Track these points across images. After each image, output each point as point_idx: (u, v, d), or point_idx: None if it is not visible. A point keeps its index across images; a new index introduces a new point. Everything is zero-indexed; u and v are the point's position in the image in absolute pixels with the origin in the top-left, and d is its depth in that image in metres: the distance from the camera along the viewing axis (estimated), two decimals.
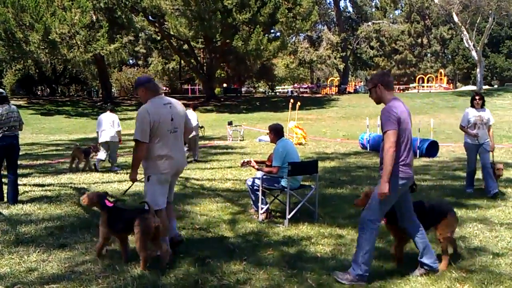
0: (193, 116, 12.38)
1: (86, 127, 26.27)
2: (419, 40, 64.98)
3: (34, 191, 8.25)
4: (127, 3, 33.71)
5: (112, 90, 49.94)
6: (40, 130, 25.09)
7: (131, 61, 61.37)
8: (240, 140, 19.08)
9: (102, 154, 11.12)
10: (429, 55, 66.23)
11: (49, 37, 30.30)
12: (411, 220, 4.51)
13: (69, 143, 17.77)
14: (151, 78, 5.23)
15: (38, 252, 5.09)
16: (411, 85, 56.79)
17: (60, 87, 56.48)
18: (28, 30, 30.99)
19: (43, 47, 31.40)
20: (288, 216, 6.16)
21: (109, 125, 10.99)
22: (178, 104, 5.06)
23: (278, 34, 38.68)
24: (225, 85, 54.36)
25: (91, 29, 32.16)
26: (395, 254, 4.71)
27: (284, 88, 60.80)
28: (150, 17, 38.09)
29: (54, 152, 14.86)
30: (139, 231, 4.51)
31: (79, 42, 31.26)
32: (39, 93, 54.67)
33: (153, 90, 4.94)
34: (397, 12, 66.12)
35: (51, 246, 5.26)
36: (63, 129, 25.80)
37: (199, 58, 45.13)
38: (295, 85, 62.52)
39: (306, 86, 60.25)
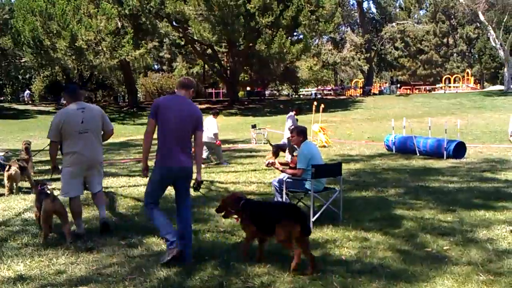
0: (290, 121, 12.68)
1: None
2: (445, 40, 64.01)
3: None
4: (151, 9, 34.14)
5: (138, 95, 50.61)
6: None
7: (156, 66, 62.10)
8: (264, 143, 19.09)
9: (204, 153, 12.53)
10: (455, 55, 65.14)
11: (76, 44, 30.98)
12: (179, 211, 5.00)
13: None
14: (74, 87, 6.23)
15: (67, 255, 5.20)
16: (437, 86, 55.94)
17: (87, 93, 57.50)
18: (55, 38, 31.74)
19: (70, 54, 32.12)
20: (312, 219, 6.14)
21: (206, 128, 12.25)
22: (94, 109, 5.95)
23: (301, 36, 38.66)
24: (248, 88, 54.54)
25: (116, 36, 32.72)
26: (243, 249, 5.02)
27: (308, 91, 60.60)
28: (174, 23, 38.50)
29: None
30: (41, 210, 5.62)
31: (105, 49, 31.85)
32: None
33: (72, 97, 5.89)
34: (421, 12, 65.33)
35: (79, 249, 5.37)
36: None
37: (222, 62, 45.40)
38: (319, 87, 62.27)
39: (330, 88, 59.95)
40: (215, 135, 12.23)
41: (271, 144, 12.94)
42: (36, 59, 35.46)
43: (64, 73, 49.68)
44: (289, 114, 13.19)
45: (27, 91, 52.58)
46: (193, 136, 5.02)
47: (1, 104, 47.03)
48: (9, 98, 58.44)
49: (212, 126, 12.27)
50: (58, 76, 52.79)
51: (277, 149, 12.75)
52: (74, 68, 42.65)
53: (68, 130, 5.64)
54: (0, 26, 37.57)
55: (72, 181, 5.80)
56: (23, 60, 42.43)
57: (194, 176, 5.06)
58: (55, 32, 31.65)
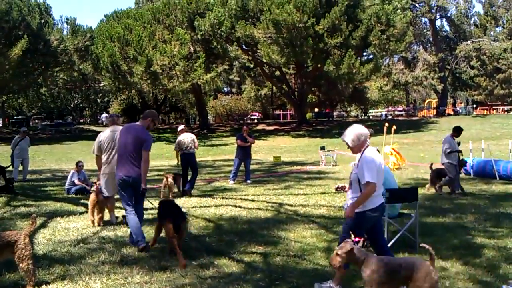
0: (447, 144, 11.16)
1: None
2: None
3: None
4: (222, 33, 35.03)
5: (208, 117, 51.83)
6: None
7: (225, 89, 63.46)
8: (333, 165, 18.83)
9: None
10: None
11: (151, 68, 32.31)
12: (136, 208, 6.45)
13: (170, 168, 18.53)
14: (113, 115, 8.43)
15: (141, 274, 5.32)
16: None
17: (161, 115, 59.65)
18: (132, 63, 33.30)
19: (145, 78, 33.52)
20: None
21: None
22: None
23: (371, 56, 38.06)
24: (316, 109, 54.32)
25: (189, 60, 33.77)
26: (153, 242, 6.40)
27: (377, 112, 59.44)
28: (243, 46, 39.23)
29: (156, 177, 15.52)
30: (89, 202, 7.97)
31: (178, 73, 32.95)
32: None
33: (111, 122, 8.00)
34: (498, 29, 62.45)
35: (153, 268, 5.48)
36: (163, 155, 27.08)
37: (290, 84, 45.57)
38: (389, 108, 60.89)
39: (401, 108, 58.44)
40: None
41: (431, 168, 11.74)
42: (114, 83, 37.38)
43: (139, 96, 51.85)
44: (445, 137, 11.39)
45: (105, 114, 55.40)
46: None
47: (81, 126, 49.78)
48: (88, 121, 61.80)
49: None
50: (134, 99, 55.21)
51: (437, 174, 11.38)
52: (149, 92, 44.39)
53: (104, 147, 7.61)
54: (81, 52, 39.97)
55: (108, 184, 7.62)
56: (101, 84, 44.85)
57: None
58: (132, 57, 33.22)
